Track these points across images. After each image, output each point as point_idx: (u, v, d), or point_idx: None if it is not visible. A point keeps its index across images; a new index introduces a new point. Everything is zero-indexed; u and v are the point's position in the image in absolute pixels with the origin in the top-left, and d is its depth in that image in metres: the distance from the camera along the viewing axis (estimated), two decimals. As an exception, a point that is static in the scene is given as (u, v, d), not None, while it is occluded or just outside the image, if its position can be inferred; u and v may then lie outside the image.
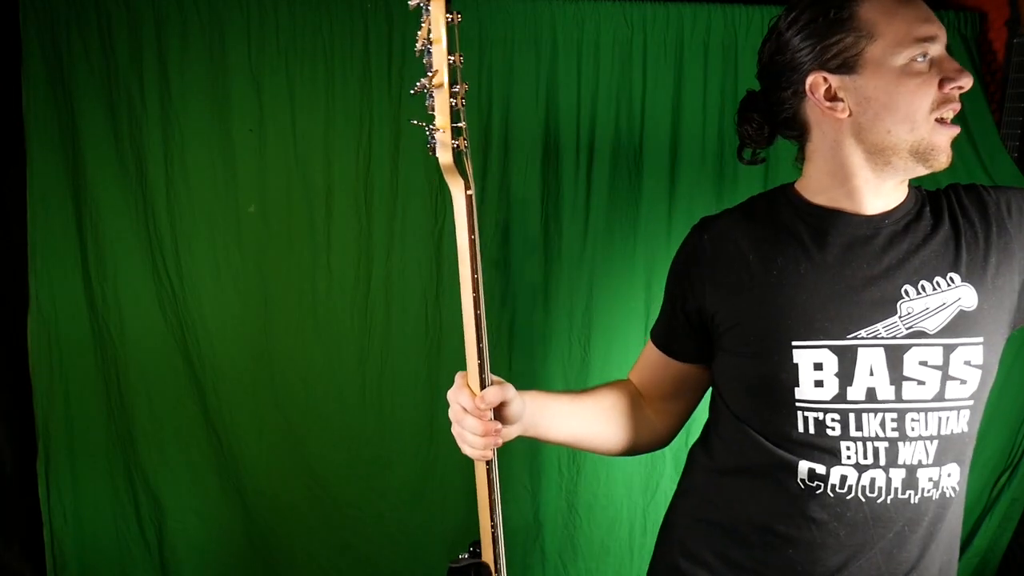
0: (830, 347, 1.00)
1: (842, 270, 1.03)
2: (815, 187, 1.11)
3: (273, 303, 2.17)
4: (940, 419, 1.00)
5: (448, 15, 1.00)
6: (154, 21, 2.03)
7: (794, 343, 1.01)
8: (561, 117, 2.19)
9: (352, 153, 2.14)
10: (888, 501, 1.01)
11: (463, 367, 1.00)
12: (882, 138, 1.02)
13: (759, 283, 1.05)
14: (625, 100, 2.20)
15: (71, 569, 2.17)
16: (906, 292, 1.01)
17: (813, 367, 1.00)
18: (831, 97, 1.04)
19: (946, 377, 1.00)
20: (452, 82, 0.98)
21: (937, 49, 0.99)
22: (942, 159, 1.04)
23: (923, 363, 1.00)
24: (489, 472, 1.02)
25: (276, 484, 2.22)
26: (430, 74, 0.97)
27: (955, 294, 1.01)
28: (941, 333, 1.00)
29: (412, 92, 0.99)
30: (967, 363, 1.00)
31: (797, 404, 1.01)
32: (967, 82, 0.98)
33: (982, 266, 1.04)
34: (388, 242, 2.18)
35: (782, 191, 1.16)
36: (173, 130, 2.07)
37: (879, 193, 1.06)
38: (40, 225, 2.06)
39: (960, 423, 1.02)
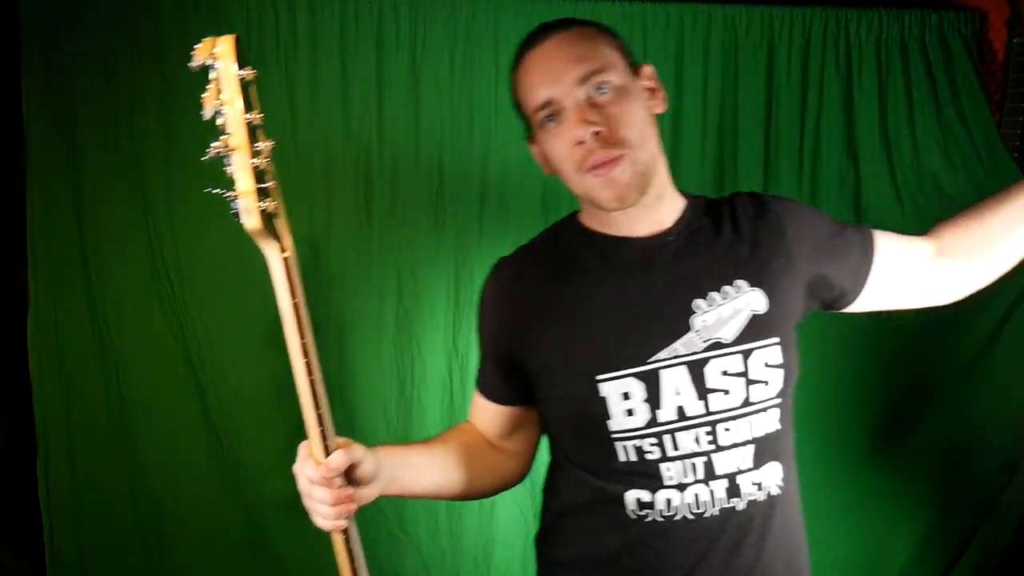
0: (634, 374, 1.00)
1: (633, 295, 1.04)
2: (592, 216, 1.12)
3: (273, 303, 2.16)
4: (751, 423, 1.02)
5: (241, 72, 0.91)
6: (154, 21, 2.03)
7: (598, 377, 1.01)
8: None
9: (353, 153, 2.14)
10: (716, 513, 1.02)
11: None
12: (574, 192, 1.06)
13: (556, 321, 1.06)
14: (625, 100, 2.20)
15: (71, 569, 2.17)
16: (697, 306, 1.02)
17: (622, 397, 1.00)
18: (543, 160, 1.09)
19: (749, 382, 1.01)
20: (254, 143, 0.92)
21: (564, 106, 0.99)
22: (609, 204, 1.01)
23: (725, 372, 1.01)
24: (348, 542, 0.97)
25: (276, 484, 2.22)
26: (224, 137, 0.91)
27: (745, 300, 1.03)
28: (738, 340, 1.01)
29: (203, 160, 0.92)
30: (767, 364, 1.02)
31: (613, 436, 1.02)
32: (581, 133, 0.97)
33: (767, 270, 1.06)
34: (389, 242, 2.18)
35: (568, 223, 1.17)
36: (173, 130, 2.07)
37: (646, 217, 1.07)
38: (40, 225, 2.06)
39: (771, 422, 1.04)
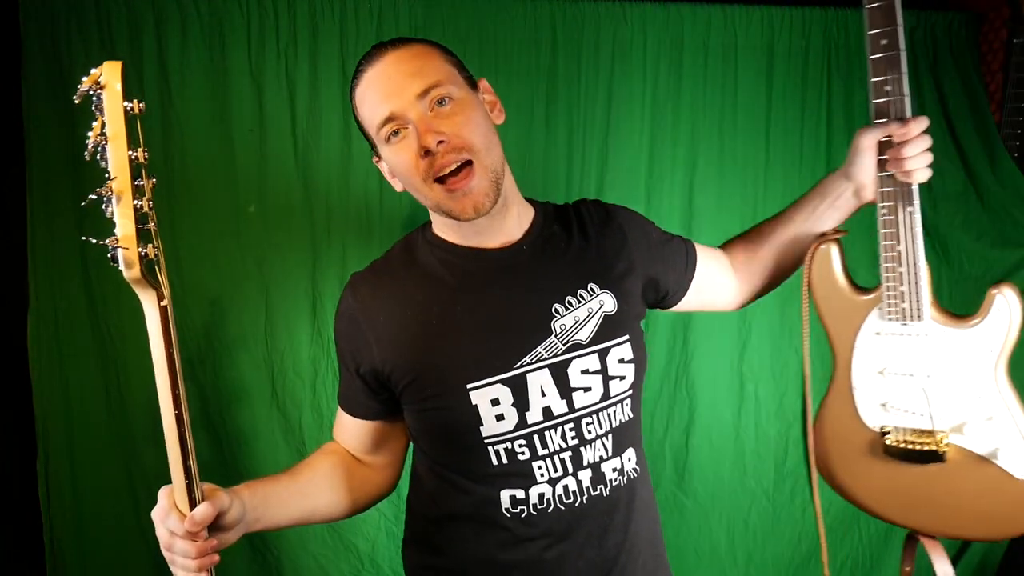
0: (502, 380, 1.04)
1: (495, 305, 1.07)
2: (445, 227, 1.14)
3: (273, 303, 2.17)
4: (609, 415, 1.10)
5: (127, 103, 0.85)
6: (154, 21, 2.03)
7: (468, 386, 1.04)
8: (560, 118, 2.19)
9: (354, 152, 2.14)
10: (584, 501, 1.08)
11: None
12: (424, 204, 1.09)
13: (421, 336, 1.07)
14: (625, 100, 2.20)
15: (71, 569, 2.17)
16: (556, 311, 1.07)
17: (491, 403, 1.04)
18: (392, 176, 1.12)
19: (607, 378, 1.09)
20: (136, 183, 0.83)
21: (406, 120, 1.01)
22: (459, 213, 1.04)
23: (585, 371, 1.07)
24: None
25: (276, 484, 2.21)
26: (109, 180, 0.82)
27: (597, 302, 1.10)
28: (593, 340, 1.08)
29: (83, 205, 0.85)
30: (621, 360, 1.10)
31: (486, 441, 1.06)
32: (428, 141, 0.98)
33: (613, 273, 1.14)
34: (390, 242, 2.18)
35: (421, 234, 1.19)
36: (173, 130, 2.07)
37: (497, 226, 1.11)
38: (40, 225, 2.06)
39: (625, 412, 1.13)
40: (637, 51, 2.19)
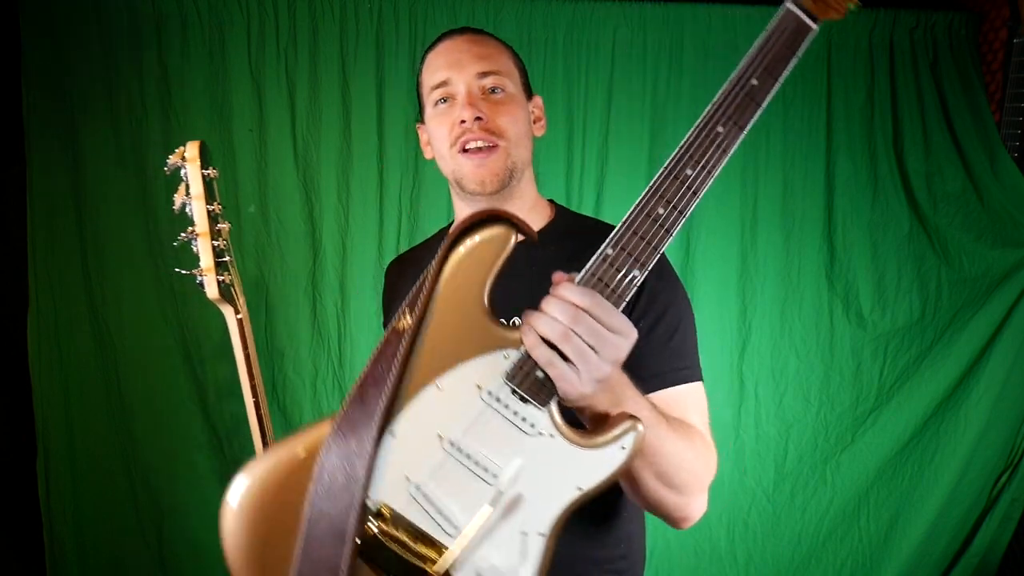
0: None
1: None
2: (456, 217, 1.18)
3: (273, 303, 2.17)
4: None
5: (205, 171, 1.13)
6: (154, 21, 2.03)
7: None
8: (560, 117, 2.19)
9: (354, 152, 2.14)
10: None
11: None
12: (443, 172, 1.13)
13: None
14: (625, 100, 2.20)
15: (71, 569, 2.17)
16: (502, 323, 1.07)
17: None
18: (427, 142, 1.17)
19: None
20: (214, 227, 1.15)
21: (457, 90, 1.08)
22: (471, 186, 1.08)
23: None
24: None
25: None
26: (191, 228, 1.13)
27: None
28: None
29: (175, 244, 1.17)
30: None
31: None
32: (467, 113, 1.05)
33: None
34: (390, 242, 2.18)
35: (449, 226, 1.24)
36: (173, 130, 2.07)
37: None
38: (40, 225, 2.06)
39: None
40: (637, 51, 2.19)
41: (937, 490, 2.28)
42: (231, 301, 1.23)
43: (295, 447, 0.80)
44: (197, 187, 1.14)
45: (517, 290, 1.04)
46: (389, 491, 0.78)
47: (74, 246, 2.08)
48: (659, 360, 1.02)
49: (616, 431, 0.76)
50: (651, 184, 0.80)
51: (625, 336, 0.75)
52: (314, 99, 2.12)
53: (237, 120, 2.10)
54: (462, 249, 0.80)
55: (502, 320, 0.80)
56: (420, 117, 1.18)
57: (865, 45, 2.23)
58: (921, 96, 2.25)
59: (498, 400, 0.78)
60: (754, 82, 0.80)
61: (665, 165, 0.81)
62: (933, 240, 2.27)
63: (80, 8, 2.00)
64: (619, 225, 0.78)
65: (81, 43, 2.02)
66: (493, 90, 1.08)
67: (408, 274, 1.17)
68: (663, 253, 1.04)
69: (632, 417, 0.77)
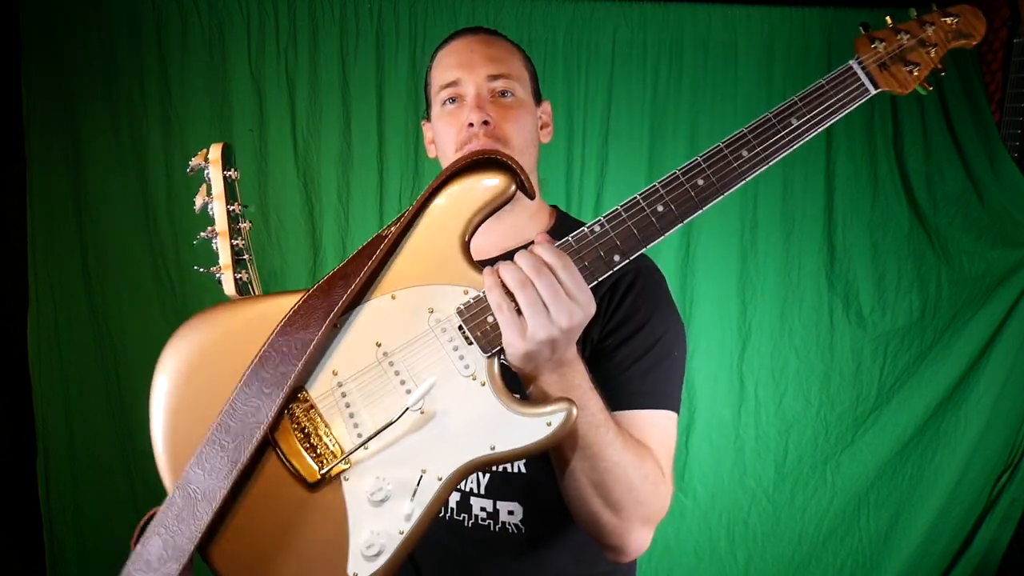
0: None
1: None
2: None
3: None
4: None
5: (227, 172, 1.13)
6: (154, 21, 2.03)
7: None
8: (560, 118, 2.19)
9: (354, 152, 2.14)
10: (448, 518, 1.03)
11: None
12: None
13: None
14: (625, 100, 2.20)
15: (70, 569, 2.17)
16: None
17: None
18: (431, 141, 1.14)
19: None
20: (234, 227, 1.16)
21: (467, 91, 1.05)
22: None
23: None
24: None
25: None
26: (211, 227, 1.14)
27: None
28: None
29: (195, 242, 1.17)
30: None
31: None
32: (474, 117, 1.02)
33: None
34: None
35: None
36: (173, 130, 2.07)
37: (493, 230, 1.04)
38: (40, 225, 2.06)
39: (516, 465, 1.01)
40: (637, 51, 2.19)
41: (937, 490, 2.28)
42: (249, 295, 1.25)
43: (248, 312, 0.82)
44: (218, 187, 1.17)
45: None
46: (314, 378, 0.79)
47: (74, 246, 2.08)
48: (625, 380, 0.95)
49: (547, 408, 0.75)
50: (661, 179, 0.78)
51: (581, 305, 0.73)
52: (314, 99, 2.12)
53: (237, 120, 2.10)
54: (460, 182, 0.81)
55: (477, 262, 0.81)
56: (426, 114, 1.16)
57: None
58: (921, 96, 2.24)
59: (444, 330, 0.78)
60: (793, 121, 0.82)
61: (681, 168, 0.79)
62: (933, 240, 2.27)
63: (80, 8, 2.00)
64: (617, 207, 0.77)
65: (81, 43, 2.02)
66: (503, 93, 1.06)
67: None
68: (663, 278, 1.04)
69: (569, 401, 0.75)
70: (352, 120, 2.14)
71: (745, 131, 0.80)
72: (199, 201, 1.17)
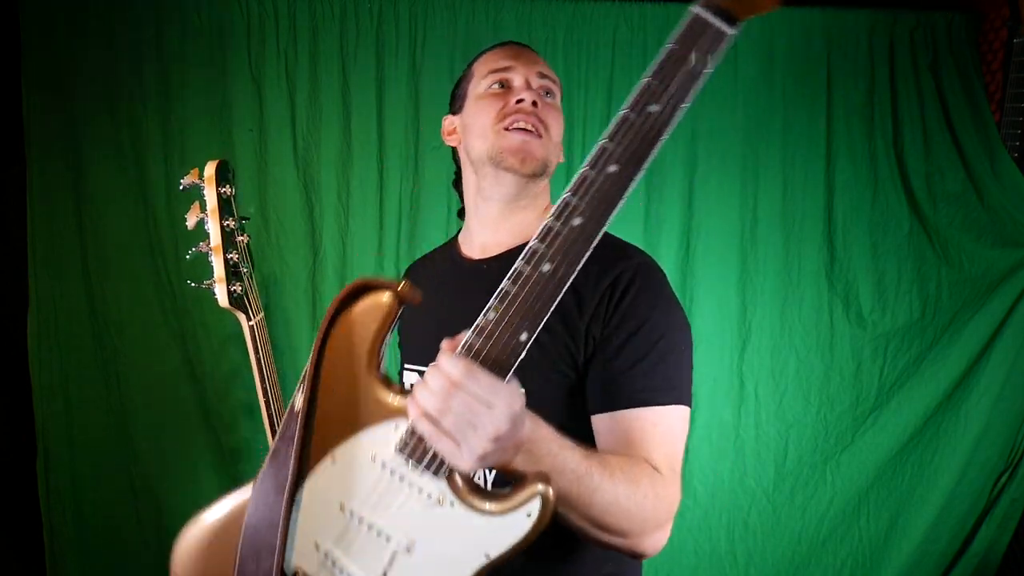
0: (418, 372, 1.15)
1: (436, 309, 1.07)
2: (463, 232, 1.22)
3: (273, 302, 2.17)
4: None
5: (222, 188, 1.21)
6: (154, 21, 2.04)
7: (405, 364, 1.17)
8: (561, 117, 2.19)
9: (354, 152, 2.14)
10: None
11: None
12: (475, 153, 1.12)
13: (407, 324, 1.19)
14: (625, 100, 2.20)
15: (70, 569, 2.17)
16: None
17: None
18: (451, 132, 1.21)
19: None
20: (231, 240, 1.24)
21: (517, 78, 1.12)
22: (510, 160, 1.08)
23: None
24: None
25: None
26: (205, 242, 1.22)
27: None
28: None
29: (188, 256, 1.25)
30: None
31: None
32: (527, 95, 1.08)
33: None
34: (390, 241, 2.18)
35: (454, 239, 1.25)
36: (173, 130, 2.07)
37: (505, 218, 1.13)
38: (40, 225, 2.06)
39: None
40: (637, 51, 2.19)
41: (937, 490, 2.28)
42: (243, 309, 1.32)
43: (229, 505, 0.90)
44: (212, 203, 1.23)
45: (445, 301, 1.08)
46: (302, 556, 0.83)
47: (74, 246, 2.08)
48: (628, 378, 0.96)
49: (520, 496, 0.72)
50: (536, 235, 0.73)
51: (500, 410, 0.69)
52: (314, 99, 2.12)
53: (237, 120, 2.10)
54: (345, 320, 0.80)
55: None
56: (451, 108, 1.21)
57: (865, 45, 2.23)
58: (921, 96, 2.25)
59: (392, 472, 0.78)
60: (653, 108, 0.76)
61: (552, 214, 0.73)
62: (933, 240, 2.27)
63: (80, 8, 2.00)
64: (504, 282, 0.72)
65: (81, 43, 2.02)
66: (548, 93, 1.14)
67: (422, 280, 1.17)
68: (664, 276, 1.05)
69: (542, 479, 0.72)
70: (352, 120, 2.14)
71: (604, 142, 0.77)
72: (192, 219, 1.23)
